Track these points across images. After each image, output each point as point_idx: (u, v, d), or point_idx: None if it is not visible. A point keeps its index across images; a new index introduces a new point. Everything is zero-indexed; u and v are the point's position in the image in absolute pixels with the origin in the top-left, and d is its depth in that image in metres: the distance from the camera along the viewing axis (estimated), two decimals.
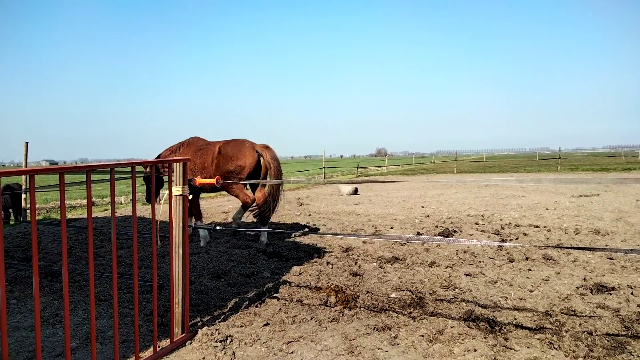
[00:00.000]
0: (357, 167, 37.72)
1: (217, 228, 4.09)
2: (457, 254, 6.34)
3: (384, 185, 22.34)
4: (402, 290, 4.68)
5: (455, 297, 4.44)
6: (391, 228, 8.62)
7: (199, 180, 3.62)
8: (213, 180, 3.51)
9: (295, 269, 5.58)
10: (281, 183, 6.73)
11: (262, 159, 7.19)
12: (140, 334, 3.67)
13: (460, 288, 4.76)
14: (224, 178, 7.09)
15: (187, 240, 3.56)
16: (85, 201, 16.32)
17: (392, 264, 5.80)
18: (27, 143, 12.07)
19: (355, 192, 17.32)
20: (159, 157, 8.16)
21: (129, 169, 3.40)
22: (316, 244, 7.21)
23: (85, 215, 12.34)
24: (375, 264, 5.84)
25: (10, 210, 12.51)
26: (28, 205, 12.65)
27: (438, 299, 4.42)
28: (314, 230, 8.53)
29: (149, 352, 3.29)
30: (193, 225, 6.01)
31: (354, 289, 4.76)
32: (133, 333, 3.67)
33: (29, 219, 11.93)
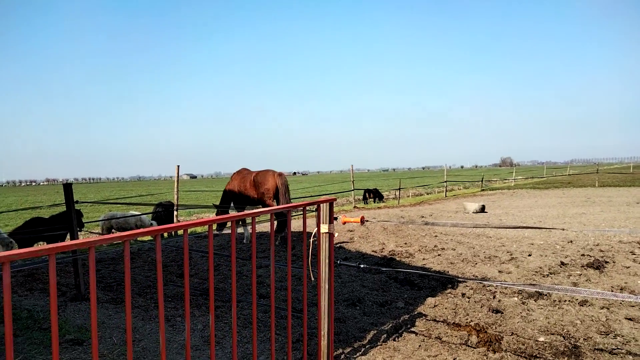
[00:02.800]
0: (482, 180, 35.79)
1: (362, 266, 4.21)
2: (612, 289, 5.69)
3: (513, 202, 20.93)
4: (552, 334, 4.34)
5: (617, 348, 3.99)
6: (529, 255, 8.03)
7: (344, 219, 3.79)
8: (358, 219, 3.65)
9: (430, 300, 5.49)
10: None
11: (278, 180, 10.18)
12: None
13: (622, 336, 4.26)
14: (259, 197, 10.36)
15: (333, 274, 3.73)
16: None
17: (535, 300, 5.41)
18: (178, 166, 13.57)
19: (483, 209, 16.48)
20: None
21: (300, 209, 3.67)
22: (447, 271, 7.02)
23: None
24: (516, 298, 5.50)
25: None
26: (177, 220, 14.19)
27: (596, 348, 4.01)
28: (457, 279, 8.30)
29: None
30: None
31: (495, 328, 4.54)
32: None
33: (179, 233, 13.40)
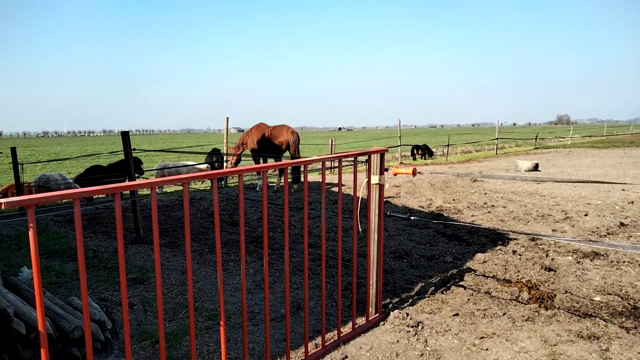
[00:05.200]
0: (536, 138, 34.22)
1: (412, 218, 4.17)
2: None
3: (569, 161, 19.98)
4: (608, 294, 4.19)
5: None
6: (585, 215, 7.69)
7: (395, 171, 3.73)
8: (409, 171, 3.59)
9: (479, 256, 5.42)
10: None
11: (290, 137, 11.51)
12: (333, 308, 4.03)
13: None
14: (271, 149, 11.78)
15: (382, 225, 3.73)
16: None
17: (591, 260, 5.22)
18: (227, 118, 13.75)
19: (536, 168, 15.83)
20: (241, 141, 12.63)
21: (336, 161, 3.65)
22: (497, 229, 6.87)
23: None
24: (570, 257, 5.33)
25: None
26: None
27: None
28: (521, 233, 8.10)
29: (348, 328, 3.59)
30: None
31: (548, 285, 4.44)
32: (332, 307, 4.05)
33: (229, 182, 13.78)
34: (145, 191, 12.51)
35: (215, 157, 13.98)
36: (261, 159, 12.83)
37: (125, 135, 6.32)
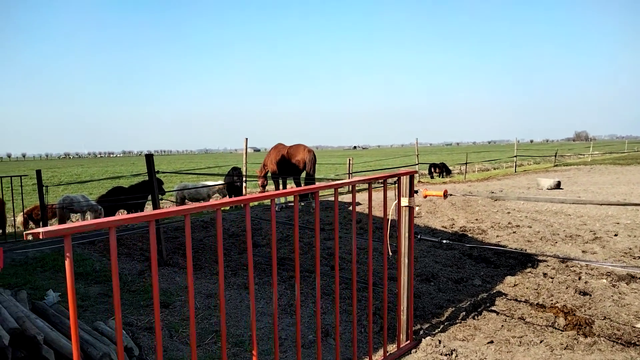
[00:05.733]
0: (555, 155, 33.72)
1: (444, 241, 4.08)
2: None
3: (591, 178, 19.59)
4: None
5: None
6: (615, 235, 7.46)
7: (425, 193, 3.66)
8: (440, 193, 3.51)
9: (509, 279, 5.26)
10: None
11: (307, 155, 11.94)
12: (361, 334, 3.92)
13: None
14: (289, 168, 12.20)
15: (413, 249, 3.64)
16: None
17: (627, 283, 5.02)
18: (247, 139, 13.86)
19: (558, 186, 15.52)
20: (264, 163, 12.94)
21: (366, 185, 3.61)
22: (525, 249, 6.69)
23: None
24: (605, 280, 5.14)
25: (233, 195, 14.59)
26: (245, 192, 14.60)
27: None
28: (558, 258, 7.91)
29: (378, 356, 3.48)
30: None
31: (584, 311, 4.27)
32: (360, 333, 3.95)
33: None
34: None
35: (235, 177, 14.06)
36: (280, 180, 12.94)
37: (149, 158, 6.38)
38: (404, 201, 3.55)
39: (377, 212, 9.05)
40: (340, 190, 16.23)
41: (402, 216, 3.57)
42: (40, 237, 1.76)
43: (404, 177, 3.53)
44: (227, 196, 14.51)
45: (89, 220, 1.92)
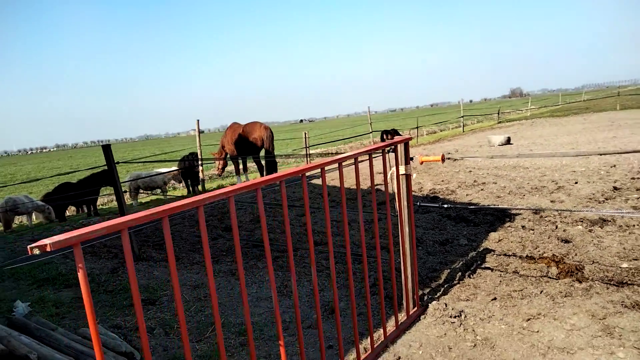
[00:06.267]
0: (498, 113, 35.01)
1: (445, 206, 4.05)
2: None
3: (535, 131, 20.50)
4: (634, 260, 4.20)
5: None
6: (575, 183, 7.82)
7: (421, 159, 3.58)
8: (438, 158, 3.44)
9: (493, 235, 5.38)
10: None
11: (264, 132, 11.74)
12: (363, 307, 3.86)
13: None
14: (247, 147, 12.04)
15: (413, 216, 3.58)
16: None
17: (601, 227, 5.25)
18: (198, 120, 13.29)
19: (508, 141, 16.13)
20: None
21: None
22: (497, 205, 6.88)
23: None
24: (580, 227, 5.35)
25: (189, 181, 14.04)
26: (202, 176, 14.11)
27: None
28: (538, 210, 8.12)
29: (390, 327, 3.43)
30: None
31: (572, 257, 4.42)
32: (362, 306, 3.88)
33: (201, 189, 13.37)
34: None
35: (190, 162, 13.52)
36: (240, 160, 12.59)
37: (106, 148, 5.91)
38: (402, 169, 3.45)
39: (362, 184, 8.97)
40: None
41: (401, 184, 3.49)
42: (48, 249, 1.50)
43: (400, 144, 3.43)
44: (183, 182, 13.97)
45: (98, 225, 1.67)
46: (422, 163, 3.68)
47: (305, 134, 18.21)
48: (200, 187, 14.04)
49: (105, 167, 12.33)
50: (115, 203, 14.72)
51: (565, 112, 33.25)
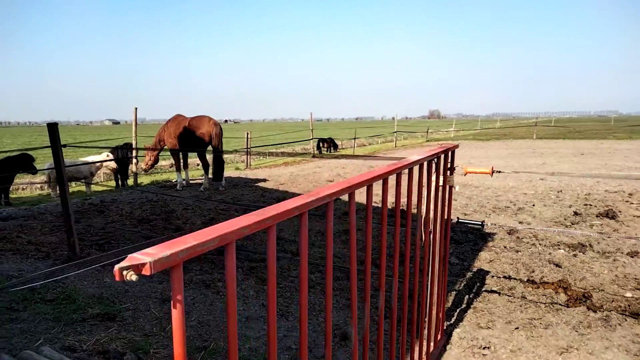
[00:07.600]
0: (427, 131, 36.45)
1: (489, 224, 3.72)
2: None
3: (466, 152, 21.41)
4: (637, 289, 4.17)
5: None
6: (533, 205, 8.01)
7: (467, 170, 3.23)
8: (488, 170, 3.11)
9: (483, 255, 5.19)
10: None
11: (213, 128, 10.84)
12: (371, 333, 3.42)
13: None
14: (192, 141, 10.94)
15: (449, 233, 3.22)
16: None
17: (583, 253, 5.27)
18: (136, 108, 12.15)
19: None
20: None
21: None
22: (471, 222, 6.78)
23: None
24: (562, 250, 5.34)
25: (119, 175, 12.71)
26: (135, 171, 12.89)
27: None
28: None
29: (416, 357, 3.01)
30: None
31: (575, 284, 4.31)
32: (376, 333, 3.43)
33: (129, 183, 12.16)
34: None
35: (123, 152, 12.24)
36: (181, 154, 11.62)
37: (52, 127, 4.92)
38: (443, 180, 3.07)
39: (360, 197, 8.50)
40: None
41: (445, 197, 3.11)
42: (149, 272, 0.89)
43: (442, 154, 3.05)
44: (117, 174, 12.61)
45: (203, 232, 1.07)
46: (466, 174, 3.34)
47: (247, 134, 17.53)
48: (131, 182, 12.78)
49: (22, 152, 10.73)
50: (26, 192, 12.94)
51: (487, 137, 35.41)
